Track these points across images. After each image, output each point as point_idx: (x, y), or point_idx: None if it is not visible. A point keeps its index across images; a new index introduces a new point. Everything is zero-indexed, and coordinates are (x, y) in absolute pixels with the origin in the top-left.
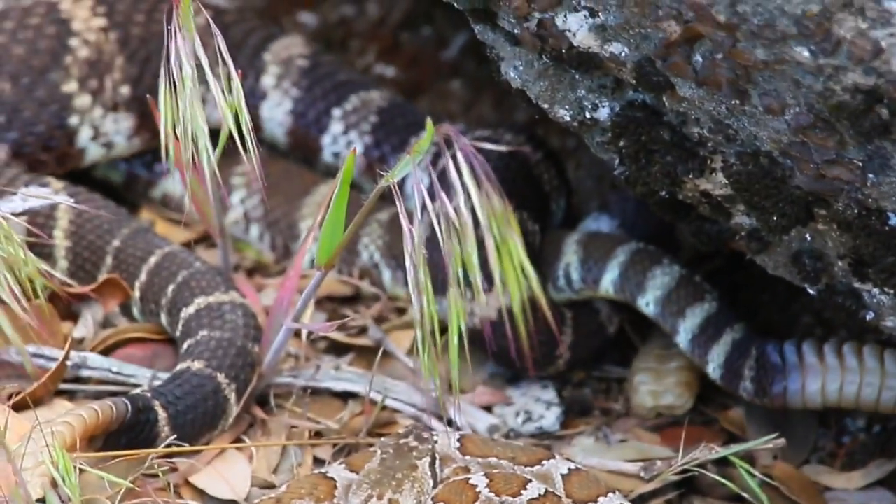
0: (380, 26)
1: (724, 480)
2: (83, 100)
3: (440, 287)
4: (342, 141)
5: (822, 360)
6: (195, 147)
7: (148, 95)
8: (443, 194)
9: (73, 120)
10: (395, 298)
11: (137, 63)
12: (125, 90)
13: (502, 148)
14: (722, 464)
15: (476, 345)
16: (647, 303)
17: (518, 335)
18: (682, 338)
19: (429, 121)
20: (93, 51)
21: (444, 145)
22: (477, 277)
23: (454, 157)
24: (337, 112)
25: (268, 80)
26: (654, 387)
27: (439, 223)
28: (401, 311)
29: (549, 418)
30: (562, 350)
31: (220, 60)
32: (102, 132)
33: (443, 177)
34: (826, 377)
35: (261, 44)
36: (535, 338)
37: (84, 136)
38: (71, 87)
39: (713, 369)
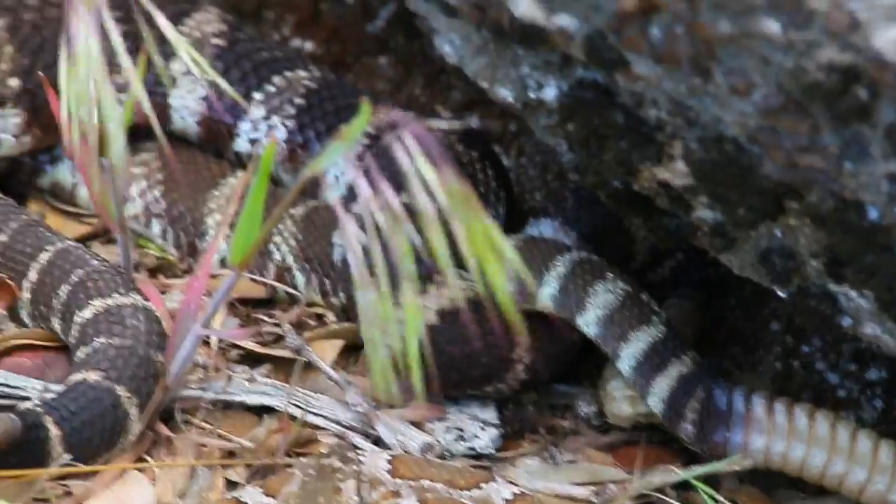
0: None
1: None
2: None
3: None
4: (263, 127)
5: (771, 417)
6: (94, 131)
7: (40, 72)
8: (384, 183)
9: None
10: (313, 304)
11: (29, 53)
12: (14, 83)
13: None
14: (682, 487)
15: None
16: (588, 322)
17: (475, 334)
18: (625, 364)
19: (363, 102)
20: None
21: (387, 128)
22: (448, 270)
23: (402, 141)
24: (258, 96)
25: (178, 66)
26: (632, 392)
27: (383, 214)
28: (320, 318)
29: (483, 439)
30: (520, 353)
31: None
32: None
33: (378, 165)
34: (771, 437)
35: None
36: (481, 342)
37: None
38: None
39: (655, 403)
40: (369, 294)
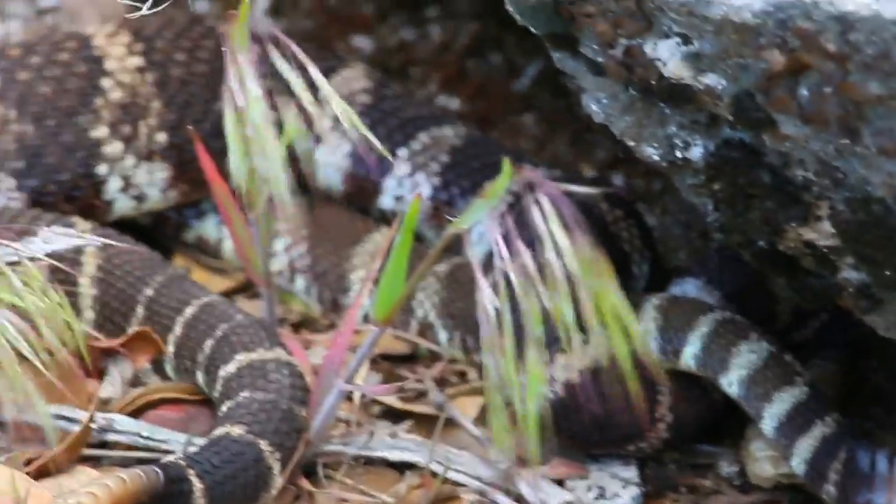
0: (444, 52)
1: None
2: (114, 147)
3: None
4: (407, 184)
5: None
6: (252, 185)
7: (189, 127)
8: (520, 243)
9: (102, 169)
10: (455, 361)
11: (176, 108)
12: (161, 138)
13: (579, 189)
14: None
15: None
16: (731, 382)
17: (609, 398)
18: (767, 424)
19: (506, 162)
20: (127, 93)
21: (526, 189)
22: (572, 335)
23: (538, 202)
24: (403, 152)
25: (325, 122)
26: (775, 453)
27: (518, 276)
28: (462, 375)
29: (624, 498)
30: (662, 412)
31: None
32: (134, 183)
33: (518, 224)
34: None
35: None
36: (624, 402)
37: (113, 186)
38: (101, 132)
39: (797, 464)
40: (496, 357)
